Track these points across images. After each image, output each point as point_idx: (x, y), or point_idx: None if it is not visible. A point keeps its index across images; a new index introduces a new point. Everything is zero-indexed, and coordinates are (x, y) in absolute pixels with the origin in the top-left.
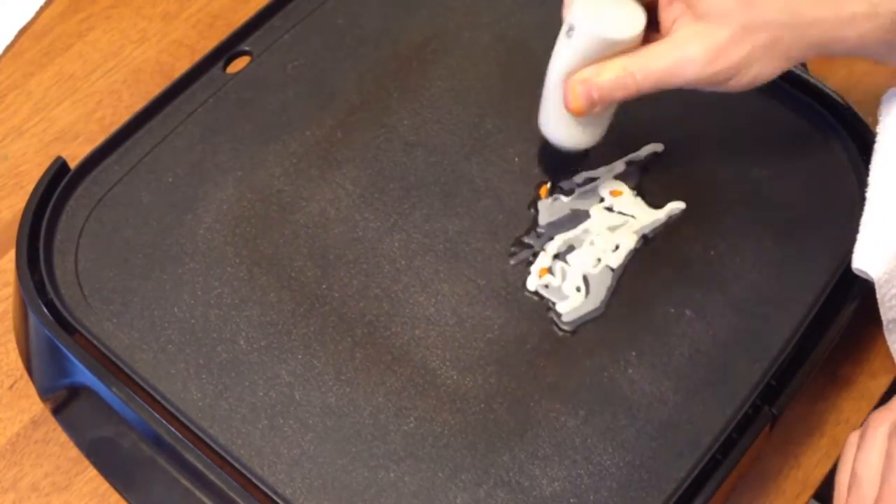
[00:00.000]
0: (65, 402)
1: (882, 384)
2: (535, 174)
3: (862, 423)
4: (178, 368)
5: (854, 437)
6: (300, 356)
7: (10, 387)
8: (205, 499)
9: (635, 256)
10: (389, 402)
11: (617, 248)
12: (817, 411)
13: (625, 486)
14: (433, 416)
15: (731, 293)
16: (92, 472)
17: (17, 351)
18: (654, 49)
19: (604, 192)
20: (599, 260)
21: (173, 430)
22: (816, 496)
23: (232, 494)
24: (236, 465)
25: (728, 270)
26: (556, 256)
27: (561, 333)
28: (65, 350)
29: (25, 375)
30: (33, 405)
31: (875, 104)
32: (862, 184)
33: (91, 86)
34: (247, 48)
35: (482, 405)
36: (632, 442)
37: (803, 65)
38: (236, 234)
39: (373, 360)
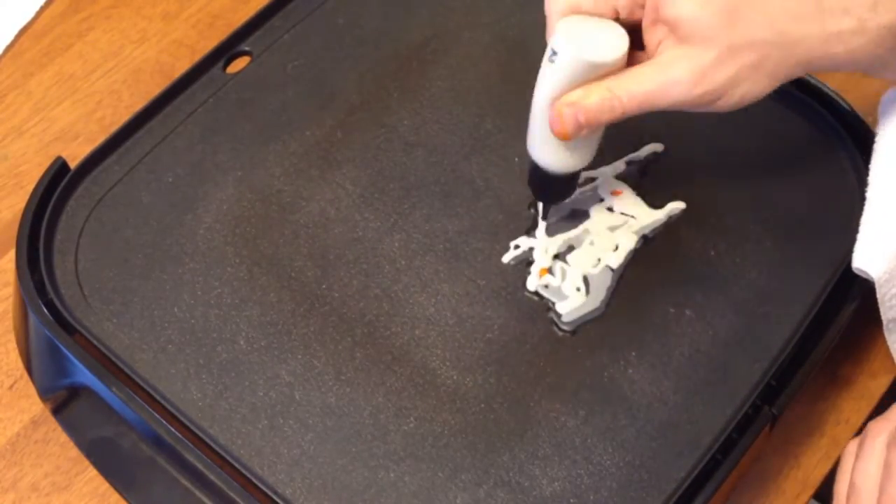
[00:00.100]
0: (65, 402)
1: (882, 384)
2: None
3: (861, 426)
4: (178, 368)
5: (852, 447)
6: (300, 356)
7: (10, 387)
8: (205, 499)
9: (635, 256)
10: (389, 402)
11: (617, 248)
12: (817, 411)
13: (625, 486)
14: (433, 416)
15: (731, 293)
16: (92, 472)
17: (17, 351)
18: (640, 71)
19: (604, 192)
20: (599, 260)
21: (173, 430)
22: (816, 496)
23: (232, 494)
24: (236, 465)
25: (728, 270)
26: (556, 256)
27: (561, 333)
28: (65, 350)
29: (25, 375)
30: (33, 405)
31: (875, 104)
32: (862, 184)
33: (91, 86)
34: (247, 48)
35: (482, 405)
36: (632, 442)
37: None
38: (236, 234)
39: (373, 360)
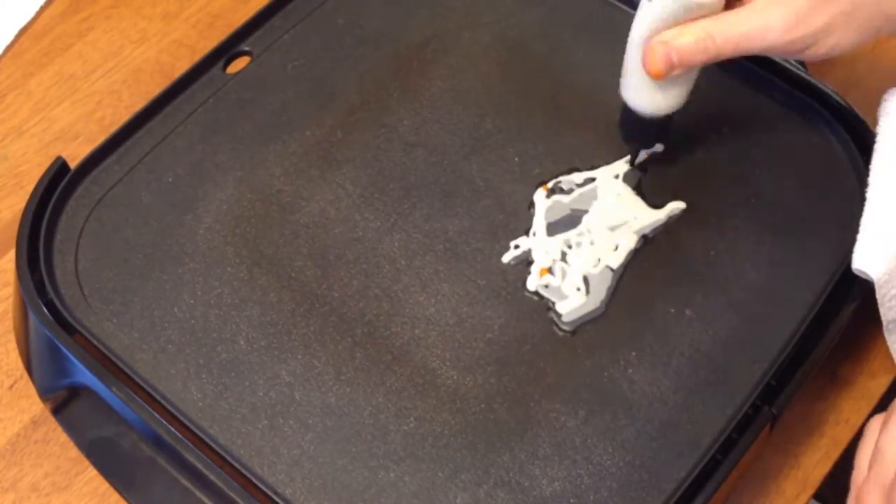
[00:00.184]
0: (65, 402)
1: (882, 384)
2: (535, 174)
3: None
4: (178, 368)
5: (876, 423)
6: (300, 356)
7: (10, 387)
8: (205, 499)
9: (635, 256)
10: (389, 402)
11: (617, 248)
12: (817, 411)
13: (625, 486)
14: (433, 416)
15: (731, 293)
16: (92, 472)
17: (17, 351)
18: (735, 14)
19: (604, 192)
20: (599, 260)
21: (173, 430)
22: (816, 496)
23: (232, 494)
24: (236, 465)
25: (728, 270)
26: (557, 256)
27: (561, 333)
28: (65, 350)
29: (25, 375)
30: (33, 405)
31: (875, 104)
32: (862, 184)
33: (91, 86)
34: (247, 48)
35: (482, 405)
36: (632, 442)
37: (803, 65)
38: (236, 234)
39: (373, 360)
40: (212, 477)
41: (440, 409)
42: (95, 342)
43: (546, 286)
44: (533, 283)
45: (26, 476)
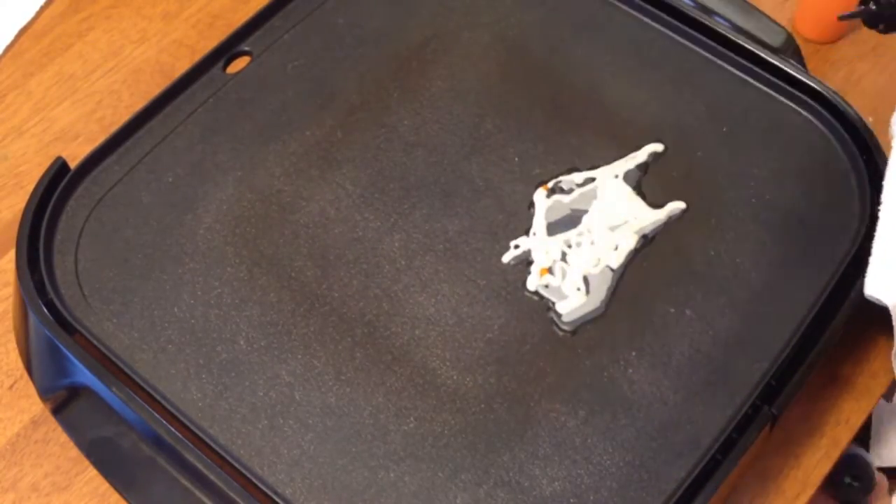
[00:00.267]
0: (65, 402)
1: (882, 384)
2: (535, 174)
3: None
4: (178, 368)
5: None
6: (300, 356)
7: (10, 387)
8: (205, 499)
9: (635, 256)
10: (389, 402)
11: (617, 248)
12: (817, 411)
13: (625, 486)
14: (433, 416)
15: (731, 293)
16: (92, 472)
17: (17, 351)
18: None
19: (604, 192)
20: (599, 260)
21: (173, 430)
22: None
23: (232, 494)
24: (236, 465)
25: (728, 270)
26: (557, 257)
27: (561, 333)
28: (65, 350)
29: (25, 375)
30: (33, 405)
31: (875, 104)
32: (862, 183)
33: (91, 86)
34: (247, 48)
35: (482, 405)
36: (632, 442)
37: (803, 65)
38: (236, 234)
39: (373, 360)
40: (212, 477)
41: (440, 409)
42: (95, 342)
43: (546, 286)
44: (533, 283)
45: (26, 476)
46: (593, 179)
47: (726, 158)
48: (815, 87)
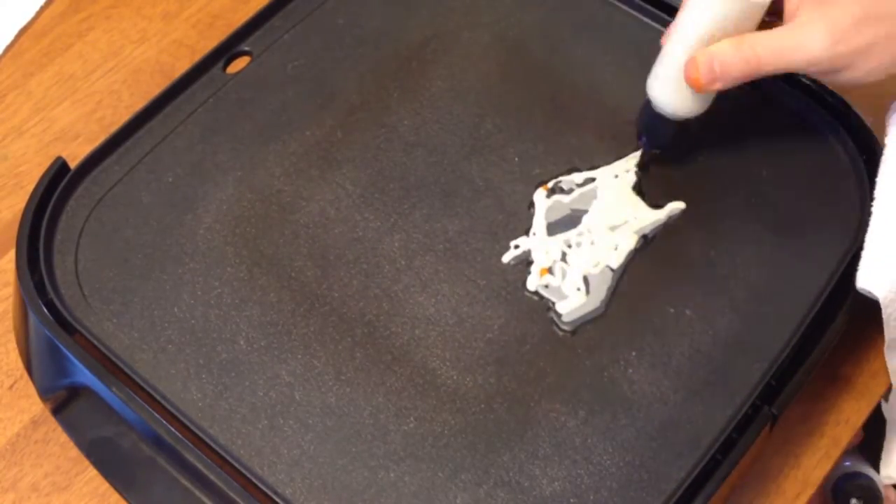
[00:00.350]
0: (65, 402)
1: (882, 384)
2: (535, 174)
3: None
4: (178, 368)
5: None
6: (300, 356)
7: (10, 387)
8: (205, 499)
9: (635, 256)
10: (389, 402)
11: (617, 248)
12: (817, 411)
13: (625, 486)
14: (433, 416)
15: (731, 293)
16: (92, 472)
17: (17, 351)
18: (778, 30)
19: (604, 192)
20: (599, 260)
21: (173, 430)
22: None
23: (232, 494)
24: (236, 465)
25: (728, 270)
26: (557, 257)
27: (561, 333)
28: (65, 350)
29: (25, 375)
30: (33, 405)
31: (875, 104)
32: (862, 183)
33: (91, 86)
34: (247, 48)
35: (482, 405)
36: (632, 442)
37: None
38: (236, 234)
39: (373, 360)
40: (212, 477)
41: (440, 409)
42: (95, 342)
43: (546, 286)
44: (533, 283)
45: (26, 476)
46: (593, 179)
47: (726, 158)
48: (815, 87)
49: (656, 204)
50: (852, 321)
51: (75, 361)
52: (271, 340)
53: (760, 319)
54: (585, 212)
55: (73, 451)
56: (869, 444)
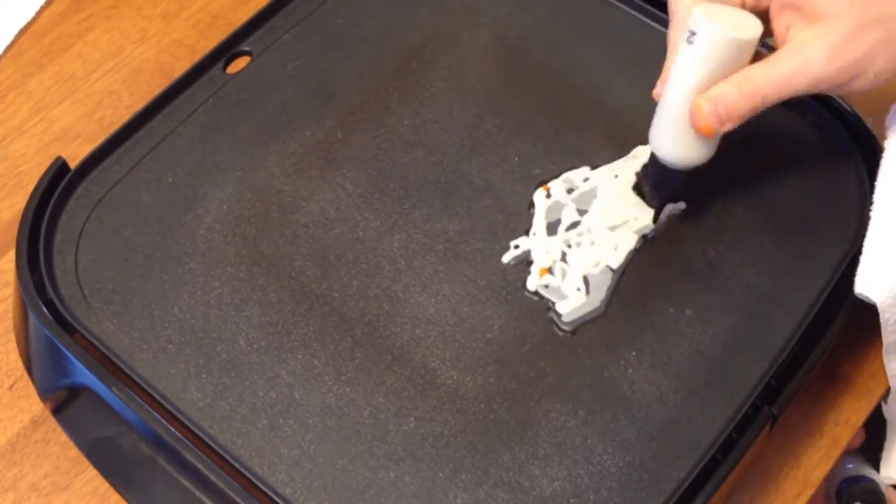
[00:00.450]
0: (65, 402)
1: (882, 384)
2: (535, 174)
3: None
4: (178, 368)
5: None
6: (300, 356)
7: (10, 387)
8: (205, 499)
9: (635, 256)
10: (389, 402)
11: (617, 248)
12: (817, 411)
13: (625, 486)
14: (433, 416)
15: (731, 293)
16: (92, 472)
17: (17, 351)
18: (774, 57)
19: (604, 192)
20: (599, 260)
21: (173, 430)
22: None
23: (232, 494)
24: (236, 465)
25: (728, 270)
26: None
27: (561, 333)
28: (65, 350)
29: (25, 375)
30: (33, 405)
31: (875, 105)
32: (862, 184)
33: (91, 86)
34: (247, 48)
35: (482, 405)
36: (632, 442)
37: None
38: (236, 234)
39: (373, 360)
40: (212, 477)
41: (440, 409)
42: (95, 342)
43: (546, 286)
44: (533, 283)
45: (26, 476)
46: (592, 179)
47: (726, 158)
48: None
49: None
50: (852, 321)
51: (75, 361)
52: (271, 340)
53: (760, 319)
54: (585, 212)
55: (73, 451)
56: (871, 447)
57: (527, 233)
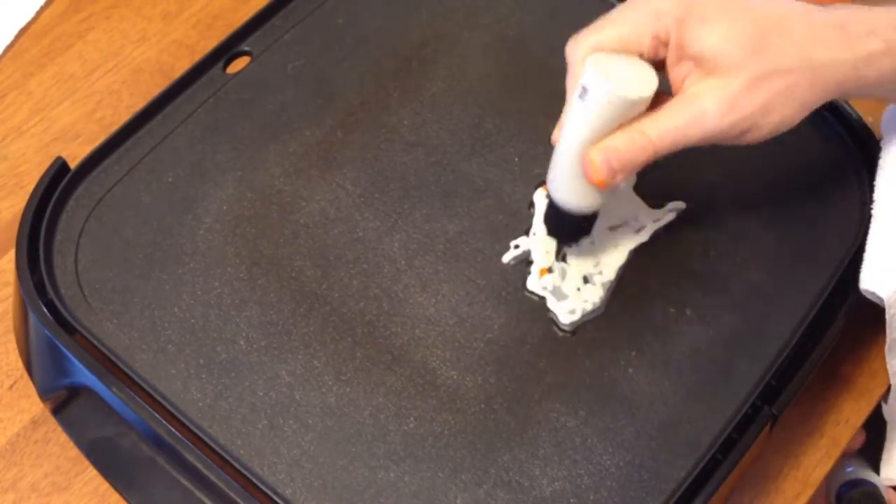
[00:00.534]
0: (65, 402)
1: (882, 384)
2: (535, 174)
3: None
4: (178, 368)
5: None
6: (300, 356)
7: (10, 387)
8: (205, 499)
9: (635, 256)
10: (389, 402)
11: (617, 248)
12: (817, 411)
13: (625, 486)
14: (433, 416)
15: (731, 293)
16: (92, 472)
17: (17, 351)
18: (668, 108)
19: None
20: (599, 260)
21: (173, 430)
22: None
23: (232, 494)
24: (236, 465)
25: (728, 270)
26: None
27: (561, 333)
28: (65, 350)
29: (25, 375)
30: (33, 405)
31: (875, 104)
32: (862, 184)
33: (91, 86)
34: (247, 48)
35: (482, 405)
36: (632, 442)
37: None
38: (236, 234)
39: (373, 360)
40: (212, 477)
41: (440, 409)
42: (95, 342)
43: (546, 286)
44: (533, 283)
45: (26, 476)
46: None
47: (726, 158)
48: None
49: (656, 204)
50: (852, 321)
51: (75, 361)
52: (271, 340)
53: (760, 319)
54: None
55: (73, 451)
56: (871, 449)
57: (527, 233)
